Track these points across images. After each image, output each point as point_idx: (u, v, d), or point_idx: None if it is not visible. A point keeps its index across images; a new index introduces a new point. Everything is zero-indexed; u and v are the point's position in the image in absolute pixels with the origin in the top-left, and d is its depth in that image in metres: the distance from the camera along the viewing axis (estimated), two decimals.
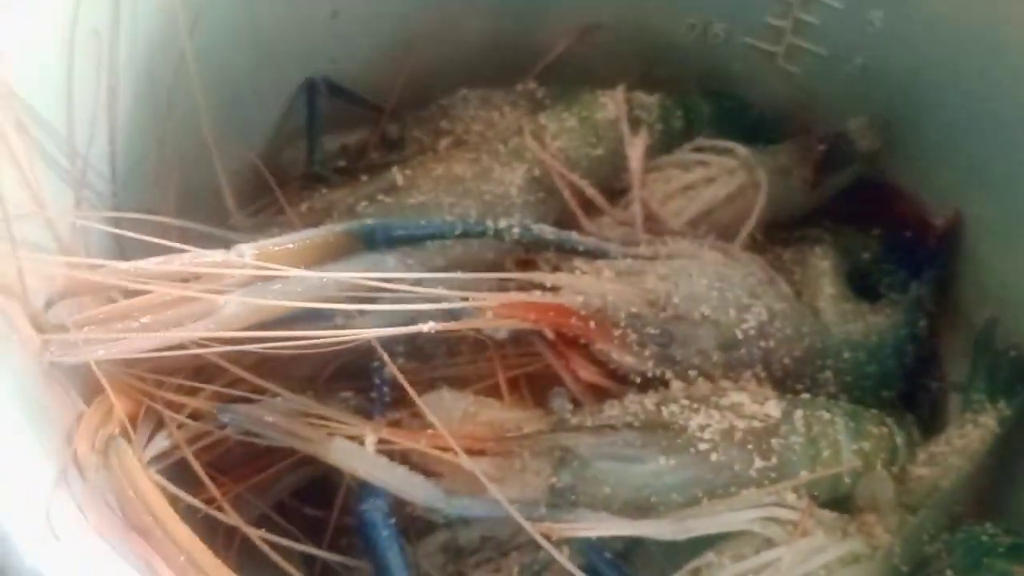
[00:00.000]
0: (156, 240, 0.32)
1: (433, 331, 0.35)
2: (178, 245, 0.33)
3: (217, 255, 0.34)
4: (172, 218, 0.41)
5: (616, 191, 0.49)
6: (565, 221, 0.48)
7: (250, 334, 0.32)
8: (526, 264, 0.45)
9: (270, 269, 0.33)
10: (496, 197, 0.46)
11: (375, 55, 0.53)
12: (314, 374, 0.43)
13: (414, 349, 0.44)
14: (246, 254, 0.35)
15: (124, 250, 0.40)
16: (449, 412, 0.40)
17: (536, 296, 0.38)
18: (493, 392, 0.42)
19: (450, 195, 0.46)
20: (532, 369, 0.43)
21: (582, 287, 0.39)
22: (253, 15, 0.47)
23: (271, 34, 0.48)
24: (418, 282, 0.37)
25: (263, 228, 0.45)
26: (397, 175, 0.46)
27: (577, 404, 0.41)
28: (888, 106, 0.52)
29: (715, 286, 0.41)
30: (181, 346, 0.33)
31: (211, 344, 0.33)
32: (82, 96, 0.37)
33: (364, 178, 0.47)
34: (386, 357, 0.37)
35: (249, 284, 0.34)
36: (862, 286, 0.52)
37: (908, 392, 0.50)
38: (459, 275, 0.38)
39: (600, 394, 0.41)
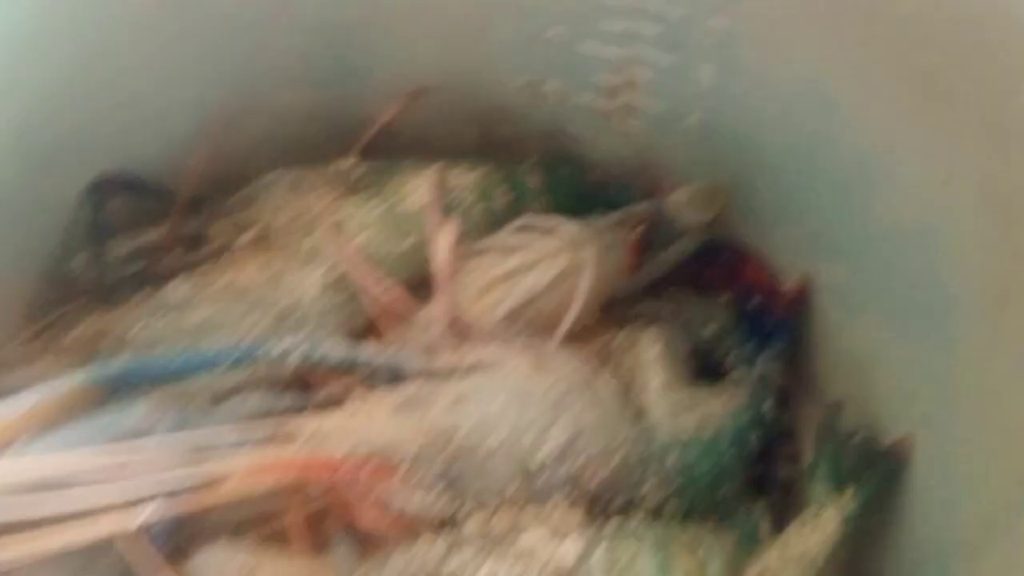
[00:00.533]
0: None
1: (162, 516, 0.31)
2: None
3: None
4: None
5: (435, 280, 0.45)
6: (375, 321, 0.45)
7: None
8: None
9: None
10: (290, 306, 0.43)
11: (172, 139, 0.49)
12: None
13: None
14: None
15: None
16: (223, 570, 0.36)
17: (293, 450, 0.35)
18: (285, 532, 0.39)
19: (236, 307, 0.42)
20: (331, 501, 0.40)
21: (352, 429, 0.35)
22: (26, 124, 0.42)
23: (49, 139, 0.44)
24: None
25: (31, 359, 0.41)
26: (177, 289, 0.43)
27: (370, 545, 0.38)
28: (730, 165, 0.49)
29: (511, 407, 0.37)
30: None
31: None
32: None
33: (139, 296, 0.43)
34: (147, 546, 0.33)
35: None
36: (706, 363, 0.48)
37: (761, 476, 0.47)
38: (196, 432, 0.34)
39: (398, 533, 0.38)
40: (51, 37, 0.42)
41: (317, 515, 0.39)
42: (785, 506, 0.46)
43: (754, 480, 0.46)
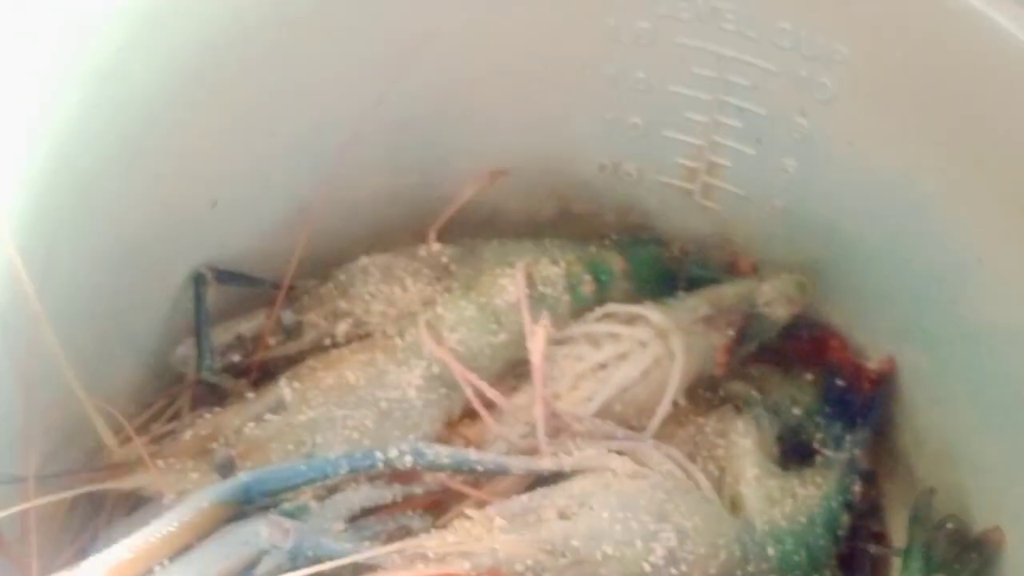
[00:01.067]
0: None
1: None
2: None
3: None
4: (41, 481, 0.39)
5: (526, 370, 0.46)
6: (472, 414, 0.46)
7: None
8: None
9: None
10: (393, 403, 0.44)
11: (265, 233, 0.50)
12: None
13: None
14: (95, 573, 0.32)
15: None
16: None
17: (419, 569, 0.36)
18: None
19: (343, 406, 0.43)
20: None
21: (469, 548, 0.36)
22: (119, 231, 0.43)
23: (145, 242, 0.45)
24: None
25: (146, 465, 0.42)
26: (285, 389, 0.44)
27: None
28: (814, 247, 0.50)
29: (618, 516, 0.38)
30: None
31: None
32: None
33: (251, 395, 0.44)
34: None
35: None
36: (794, 443, 0.49)
37: (848, 555, 0.47)
38: (320, 567, 0.35)
39: None
40: (141, 154, 0.43)
41: None
42: None
43: (842, 559, 0.47)
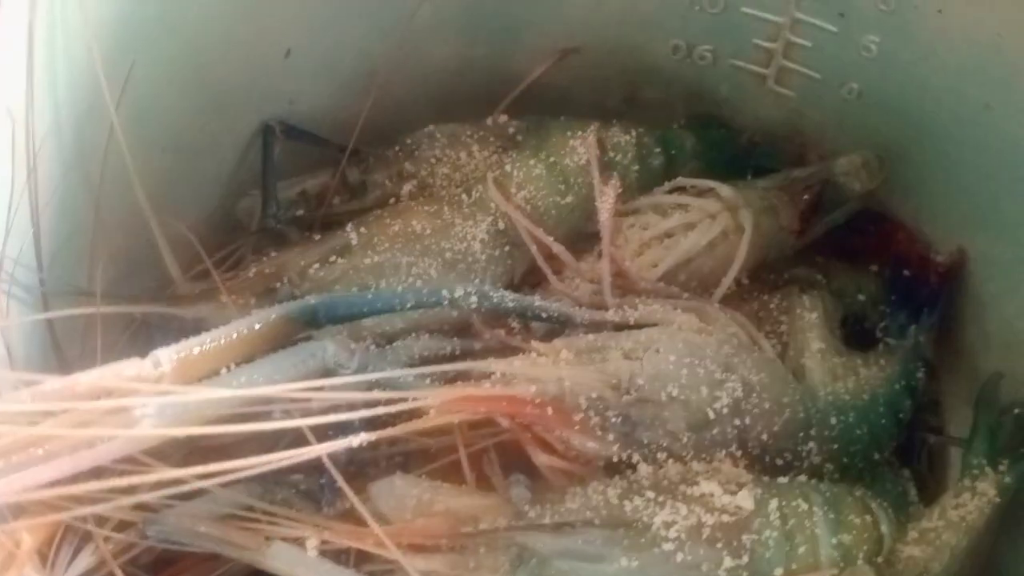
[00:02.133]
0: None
1: (366, 443, 0.33)
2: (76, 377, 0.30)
3: (129, 367, 0.31)
4: (106, 298, 0.39)
5: (591, 235, 0.46)
6: (536, 276, 0.45)
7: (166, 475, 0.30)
8: (496, 321, 0.42)
9: (182, 391, 0.31)
10: (458, 254, 0.44)
11: (335, 92, 0.50)
12: (263, 452, 0.41)
13: (373, 426, 0.41)
14: (164, 363, 0.32)
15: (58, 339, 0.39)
16: (401, 501, 0.37)
17: (486, 387, 0.36)
18: (460, 467, 0.40)
19: (408, 254, 0.43)
20: (499, 440, 0.41)
21: (536, 374, 0.36)
22: (197, 62, 0.44)
23: (219, 80, 0.45)
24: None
25: (210, 296, 0.42)
26: (351, 233, 0.44)
27: (542, 487, 0.39)
28: (887, 135, 0.49)
29: (684, 362, 0.38)
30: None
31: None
32: None
33: (316, 236, 0.44)
34: (331, 466, 0.34)
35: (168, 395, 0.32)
36: (857, 329, 0.48)
37: (906, 445, 0.47)
38: (399, 372, 0.35)
39: (569, 476, 0.39)
40: None
41: (483, 452, 0.40)
42: (930, 475, 0.46)
43: (900, 449, 0.46)
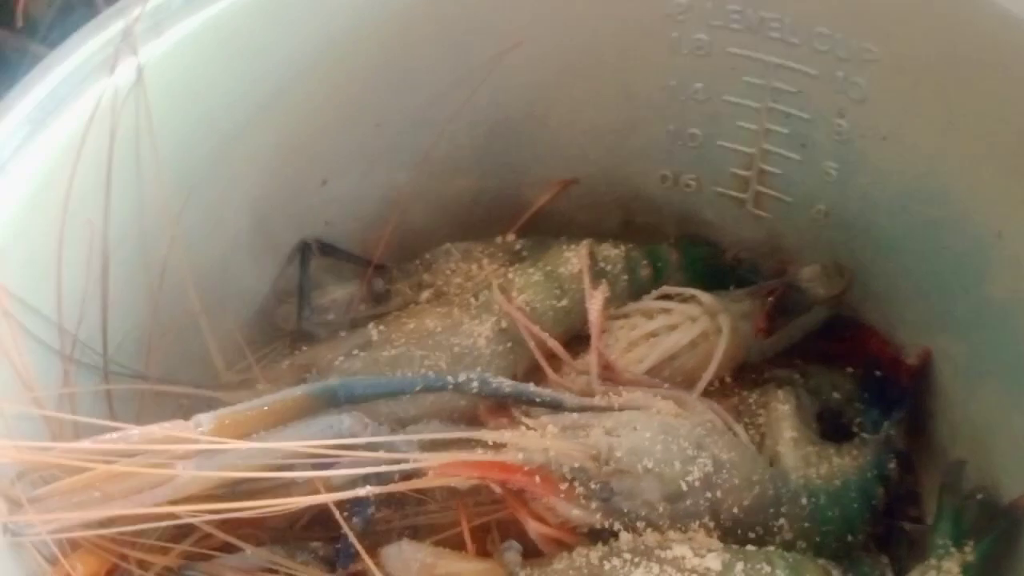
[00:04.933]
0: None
1: (371, 495, 0.38)
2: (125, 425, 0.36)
3: (173, 427, 0.37)
4: (160, 383, 0.45)
5: (585, 337, 0.52)
6: (534, 369, 0.51)
7: (202, 507, 0.35)
8: (499, 410, 0.48)
9: (221, 440, 0.37)
10: (465, 349, 0.49)
11: (365, 215, 0.57)
12: (288, 524, 0.46)
13: (387, 498, 0.46)
14: (204, 424, 0.38)
15: (116, 415, 0.45)
16: (407, 564, 0.42)
17: (478, 454, 0.41)
18: (462, 539, 0.45)
19: (421, 348, 0.49)
20: (501, 516, 0.46)
21: (523, 444, 0.41)
22: (246, 190, 0.51)
23: (264, 205, 0.53)
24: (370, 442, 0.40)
25: (250, 384, 0.48)
26: (372, 331, 0.50)
27: (533, 554, 0.43)
28: (853, 249, 0.54)
29: (659, 439, 0.43)
30: (143, 515, 0.36)
31: (171, 510, 0.36)
32: (72, 279, 0.42)
33: (343, 334, 0.51)
34: (341, 519, 0.39)
35: (205, 452, 0.37)
36: (834, 425, 0.53)
37: (884, 534, 0.50)
38: (404, 436, 0.40)
39: (560, 545, 0.43)
40: (269, 128, 0.51)
41: (485, 526, 0.45)
42: (909, 564, 0.49)
43: (879, 538, 0.49)
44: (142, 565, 0.39)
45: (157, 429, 0.36)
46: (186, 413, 0.48)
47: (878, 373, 0.53)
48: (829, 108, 0.50)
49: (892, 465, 0.50)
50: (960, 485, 0.48)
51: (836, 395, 0.53)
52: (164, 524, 0.37)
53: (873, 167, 0.50)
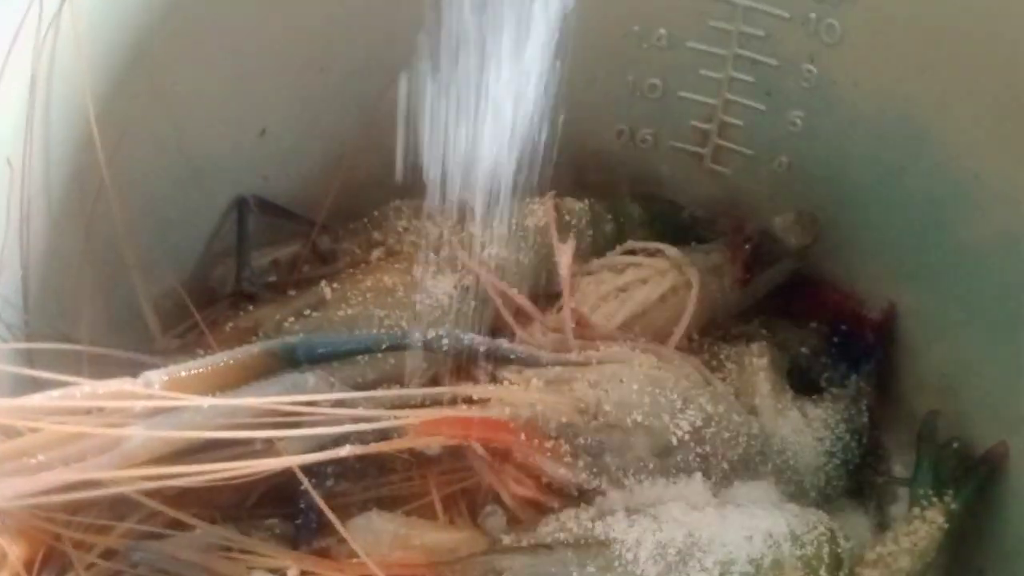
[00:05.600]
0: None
1: (352, 455, 0.34)
2: (75, 378, 0.31)
3: (122, 384, 0.32)
4: (89, 345, 0.40)
5: (552, 295, 0.49)
6: (500, 328, 0.48)
7: (156, 471, 0.31)
8: (464, 373, 0.44)
9: (177, 398, 0.32)
10: (428, 307, 0.46)
11: (306, 170, 0.53)
12: (239, 500, 0.42)
13: (345, 469, 0.42)
14: (154, 382, 0.33)
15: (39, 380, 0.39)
16: (378, 536, 0.38)
17: (462, 410, 0.37)
18: (430, 509, 0.41)
19: (381, 307, 0.45)
20: (469, 484, 0.42)
21: (510, 399, 0.38)
22: (179, 138, 0.46)
23: (199, 155, 0.48)
24: (339, 402, 0.36)
25: (189, 350, 0.44)
26: (325, 289, 0.46)
27: (515, 520, 0.40)
28: (815, 202, 0.53)
29: (647, 391, 0.40)
30: (85, 483, 0.31)
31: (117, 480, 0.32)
32: None
33: (292, 293, 0.46)
34: (308, 485, 0.35)
35: (157, 413, 0.33)
36: (802, 381, 0.51)
37: (855, 488, 0.49)
38: (379, 393, 0.37)
39: (538, 508, 0.40)
40: (206, 69, 0.46)
41: (452, 498, 0.41)
42: (881, 515, 0.49)
43: (851, 493, 0.48)
44: (80, 546, 0.34)
45: (103, 386, 0.32)
46: None
47: (843, 327, 0.52)
48: (799, 53, 0.49)
49: (864, 419, 0.49)
50: (935, 435, 0.47)
51: (804, 350, 0.52)
52: (108, 494, 0.32)
53: (843, 115, 0.49)
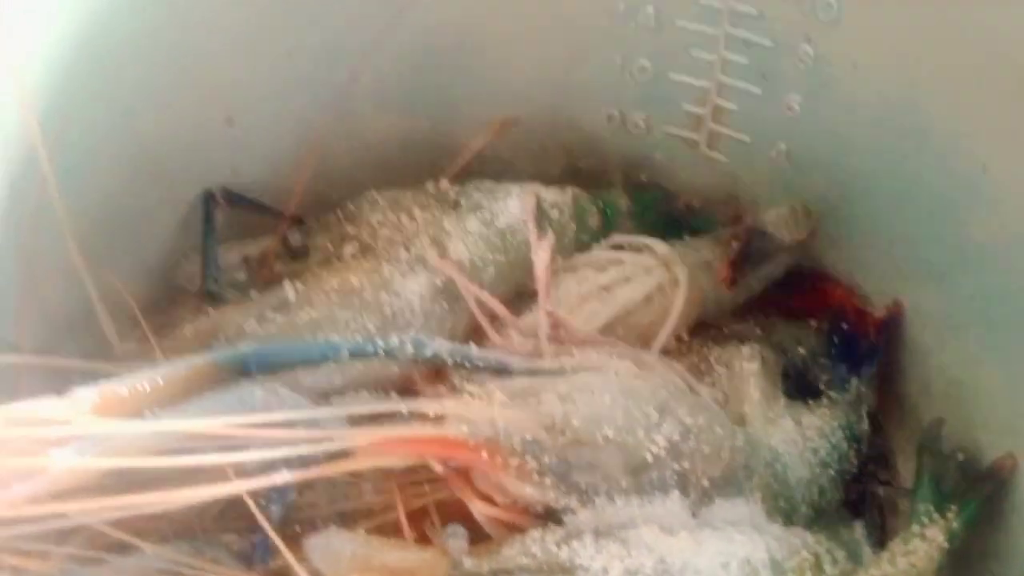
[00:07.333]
0: None
1: (290, 481, 0.32)
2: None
3: (46, 404, 0.30)
4: (34, 354, 0.38)
5: (530, 293, 0.46)
6: (475, 331, 0.45)
7: (76, 506, 0.29)
8: (438, 376, 0.42)
9: (103, 420, 0.30)
10: (396, 309, 0.43)
11: (276, 160, 0.51)
12: (196, 513, 0.40)
13: (310, 481, 0.40)
14: (84, 401, 0.31)
15: None
16: (337, 557, 0.36)
17: (415, 429, 0.35)
18: (399, 524, 0.39)
19: (346, 309, 0.43)
20: (443, 496, 0.40)
21: (469, 414, 0.36)
22: (134, 128, 0.44)
23: (158, 147, 0.46)
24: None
25: (148, 355, 0.42)
26: (288, 290, 0.44)
27: (482, 537, 0.38)
28: (815, 193, 0.50)
29: (620, 403, 0.38)
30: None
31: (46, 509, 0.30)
32: None
33: (254, 294, 0.44)
34: (256, 509, 0.33)
35: (87, 436, 0.31)
36: (799, 384, 0.49)
37: (856, 499, 0.46)
38: (327, 409, 0.34)
39: (509, 527, 0.38)
40: (162, 52, 0.44)
41: (424, 510, 0.39)
42: (882, 526, 0.46)
43: (851, 504, 0.46)
44: (16, 572, 0.32)
45: (24, 408, 0.30)
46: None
47: (845, 326, 0.49)
48: (795, 33, 0.45)
49: (864, 426, 0.46)
50: (939, 446, 0.44)
51: (801, 351, 0.49)
52: (37, 523, 0.30)
53: (842, 100, 0.46)
